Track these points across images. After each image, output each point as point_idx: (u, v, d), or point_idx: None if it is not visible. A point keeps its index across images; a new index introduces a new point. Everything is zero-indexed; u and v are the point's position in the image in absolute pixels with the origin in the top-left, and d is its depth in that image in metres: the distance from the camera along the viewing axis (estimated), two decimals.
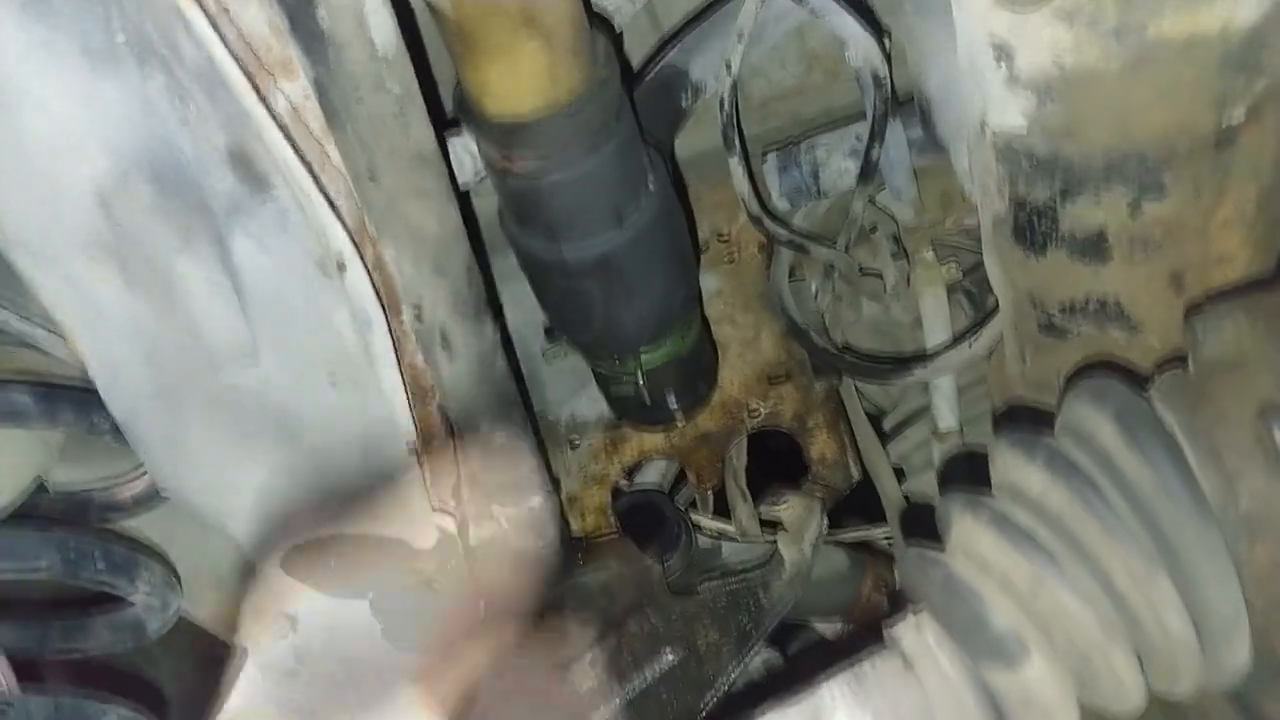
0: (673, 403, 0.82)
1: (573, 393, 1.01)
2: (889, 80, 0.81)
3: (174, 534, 0.83)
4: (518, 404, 0.71)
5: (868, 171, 0.89)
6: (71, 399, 0.69)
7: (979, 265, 1.15)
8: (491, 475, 0.77)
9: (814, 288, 1.06)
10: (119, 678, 0.80)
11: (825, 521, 0.86)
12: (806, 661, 1.01)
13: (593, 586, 0.88)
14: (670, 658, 0.81)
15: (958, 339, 0.91)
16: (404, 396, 0.65)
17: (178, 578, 0.78)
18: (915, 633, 0.53)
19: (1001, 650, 0.50)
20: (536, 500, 0.79)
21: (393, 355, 0.62)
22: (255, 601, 0.92)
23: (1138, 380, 0.55)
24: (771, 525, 0.93)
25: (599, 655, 0.83)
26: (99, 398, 0.70)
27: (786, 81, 0.91)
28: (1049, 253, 0.65)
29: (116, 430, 0.69)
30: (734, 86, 0.78)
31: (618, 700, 0.80)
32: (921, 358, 0.93)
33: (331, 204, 0.54)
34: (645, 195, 0.64)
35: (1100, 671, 0.50)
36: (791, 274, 1.01)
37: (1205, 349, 0.57)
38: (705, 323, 0.86)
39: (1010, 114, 0.59)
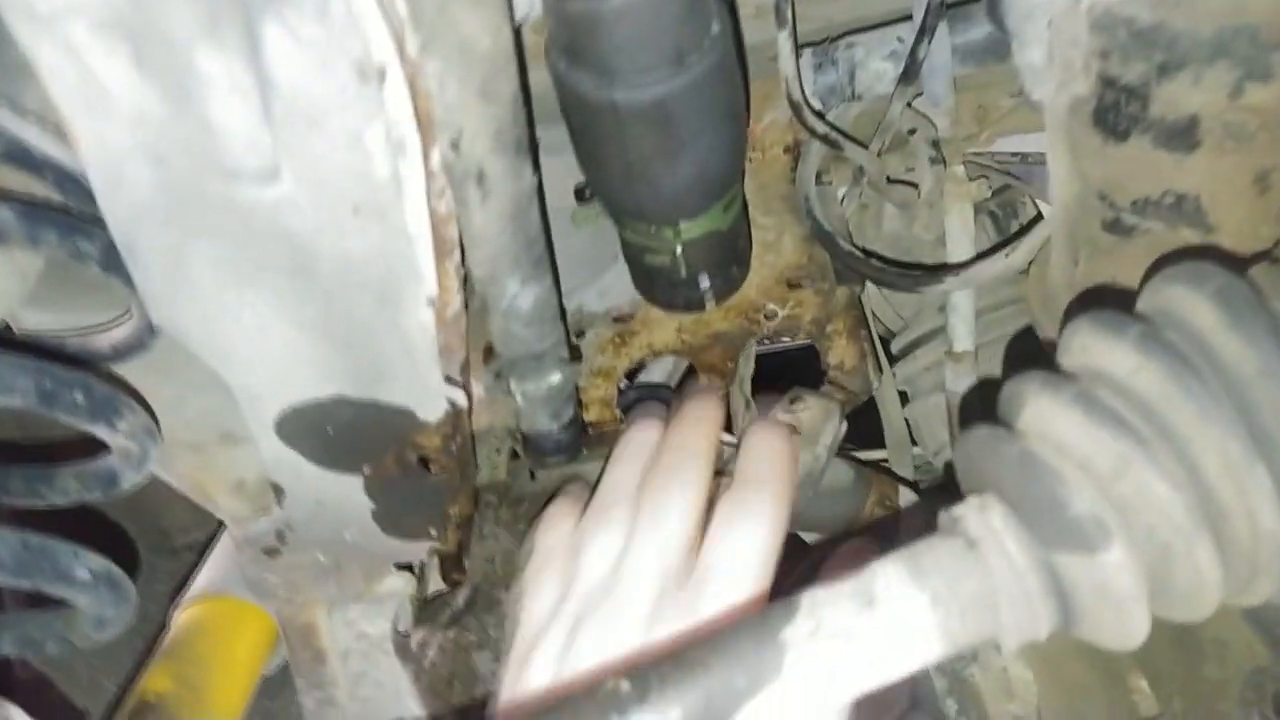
0: (704, 282, 0.77)
1: (582, 285, 0.97)
2: None
3: (154, 391, 0.77)
4: (548, 264, 0.66)
5: (912, 71, 0.84)
6: (56, 221, 0.62)
7: (1006, 188, 1.12)
8: (511, 348, 0.72)
9: (841, 193, 1.02)
10: (88, 528, 0.74)
11: (843, 426, 0.82)
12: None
13: (595, 475, 0.84)
14: None
15: (992, 249, 0.87)
16: (429, 240, 0.59)
17: (159, 428, 0.72)
18: (980, 513, 0.49)
19: (1080, 535, 0.46)
20: (556, 377, 0.74)
21: (423, 187, 0.56)
22: (239, 469, 0.86)
23: (1233, 268, 0.52)
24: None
25: None
26: (86, 224, 0.63)
27: None
28: (1131, 139, 0.61)
29: (104, 258, 0.63)
30: None
31: None
32: (953, 266, 0.89)
33: None
34: (709, 39, 0.58)
35: (1179, 565, 0.47)
36: (817, 179, 0.97)
37: None
38: (745, 206, 0.81)
39: None
